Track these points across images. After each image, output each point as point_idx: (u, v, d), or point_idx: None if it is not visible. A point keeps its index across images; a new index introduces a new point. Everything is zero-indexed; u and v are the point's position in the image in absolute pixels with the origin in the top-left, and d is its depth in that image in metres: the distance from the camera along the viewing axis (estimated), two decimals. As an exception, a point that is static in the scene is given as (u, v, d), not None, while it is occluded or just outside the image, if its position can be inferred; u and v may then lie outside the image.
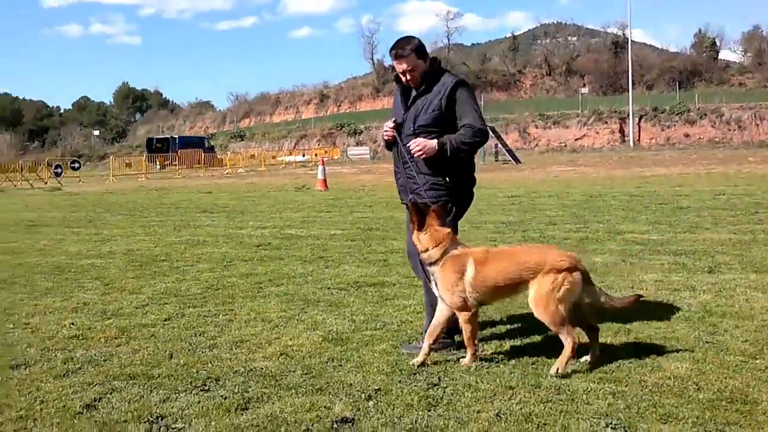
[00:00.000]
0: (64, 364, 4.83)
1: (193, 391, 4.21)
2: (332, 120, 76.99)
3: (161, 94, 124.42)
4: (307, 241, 10.26)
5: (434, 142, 4.80)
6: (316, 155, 57.32)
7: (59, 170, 35.57)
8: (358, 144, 67.41)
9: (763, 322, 5.25)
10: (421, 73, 4.94)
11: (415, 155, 4.88)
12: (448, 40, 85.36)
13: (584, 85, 72.37)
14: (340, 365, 4.62)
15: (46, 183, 32.27)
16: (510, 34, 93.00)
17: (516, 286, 4.45)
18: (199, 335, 5.46)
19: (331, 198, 18.26)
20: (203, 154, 50.29)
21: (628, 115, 59.76)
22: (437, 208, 4.69)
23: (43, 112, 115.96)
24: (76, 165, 40.26)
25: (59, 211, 17.47)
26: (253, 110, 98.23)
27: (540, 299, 4.31)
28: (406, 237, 5.20)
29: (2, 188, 29.72)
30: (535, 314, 4.39)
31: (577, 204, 14.17)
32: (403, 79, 5.01)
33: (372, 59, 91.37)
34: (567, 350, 4.24)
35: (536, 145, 61.85)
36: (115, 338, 5.46)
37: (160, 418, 3.82)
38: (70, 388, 4.34)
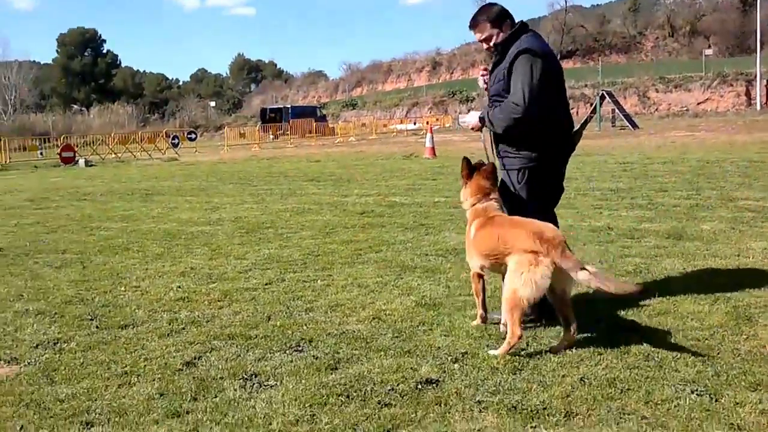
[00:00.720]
0: (169, 324, 5.14)
1: (287, 352, 4.42)
2: (444, 87, 76.61)
3: (275, 65, 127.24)
4: (410, 209, 10.38)
5: (476, 115, 4.90)
6: (427, 123, 57.30)
7: (176, 141, 37.07)
8: (470, 111, 66.69)
9: None
10: (498, 42, 4.83)
11: (470, 128, 5.01)
12: (566, 1, 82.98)
13: (709, 47, 68.92)
14: (431, 329, 4.72)
15: (163, 153, 33.69)
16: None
17: (498, 258, 4.37)
18: (297, 299, 5.68)
19: (438, 166, 18.28)
20: (315, 124, 51.18)
21: (756, 77, 56.51)
22: (487, 167, 4.76)
23: (163, 84, 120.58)
24: (193, 136, 41.84)
25: (174, 180, 18.29)
26: (365, 79, 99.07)
27: (506, 280, 4.20)
28: None
29: (123, 159, 31.28)
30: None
31: (692, 170, 13.63)
32: (484, 47, 4.96)
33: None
34: (507, 341, 4.10)
35: (656, 109, 59.47)
36: (218, 301, 5.76)
37: (254, 376, 4.03)
38: (172, 346, 4.64)
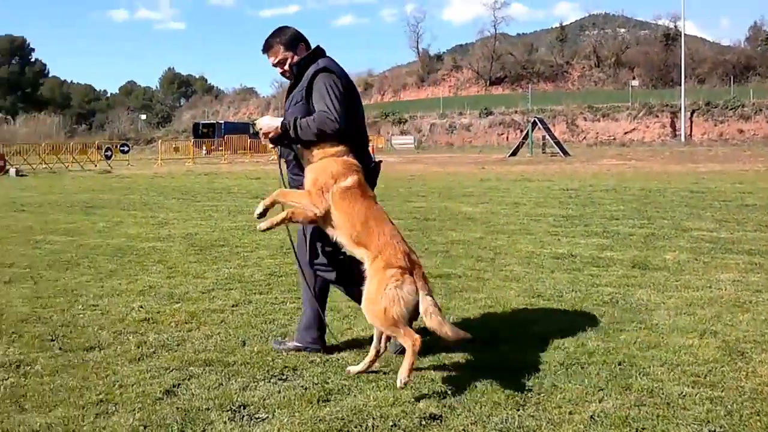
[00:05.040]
0: (138, 347, 4.82)
1: (272, 381, 4.16)
2: (376, 109, 76.79)
3: (206, 80, 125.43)
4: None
5: (278, 120, 4.46)
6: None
7: (109, 153, 35.99)
8: (403, 133, 67.21)
9: None
10: (293, 66, 4.63)
11: (260, 134, 4.57)
12: (495, 29, 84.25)
13: (634, 78, 71.06)
14: (418, 359, 4.52)
15: (96, 165, 32.70)
16: (558, 25, 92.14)
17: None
18: (269, 323, 5.42)
19: (382, 187, 18.06)
20: (249, 140, 50.56)
21: (680, 109, 58.49)
22: None
23: (91, 95, 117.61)
24: (125, 148, 40.73)
25: (112, 193, 17.66)
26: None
27: (369, 291, 3.98)
28: None
29: (55, 170, 30.18)
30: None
31: (637, 199, 13.84)
32: (278, 72, 4.75)
33: (417, 48, 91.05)
34: (408, 353, 3.86)
35: (584, 137, 60.93)
36: (186, 323, 5.45)
37: (242, 407, 3.77)
38: (147, 372, 4.33)
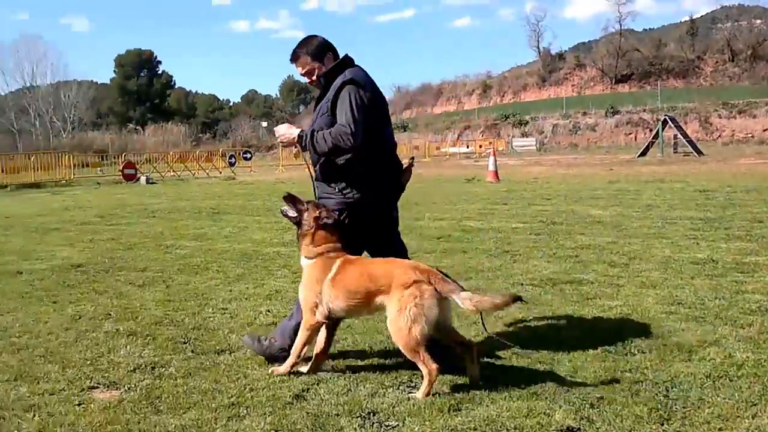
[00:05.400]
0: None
1: (401, 388, 4.13)
2: (496, 111, 76.15)
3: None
4: (488, 234, 10.05)
5: (295, 131, 4.59)
6: (480, 147, 56.93)
7: (233, 160, 37.33)
8: (524, 135, 66.31)
9: None
10: (320, 76, 4.68)
11: (278, 141, 4.76)
12: (620, 25, 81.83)
13: (773, 72, 67.31)
14: (551, 368, 4.39)
15: (220, 172, 33.91)
16: (687, 18, 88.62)
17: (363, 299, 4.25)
18: (395, 329, 5.39)
19: (504, 190, 17.93)
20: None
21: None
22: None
23: (215, 104, 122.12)
24: (248, 155, 42.05)
25: (237, 199, 18.23)
26: (414, 101, 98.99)
27: (392, 320, 4.04)
28: None
29: (182, 177, 31.50)
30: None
31: (784, 200, 13.03)
32: (307, 82, 4.79)
33: (537, 47, 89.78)
34: (426, 381, 3.95)
35: (719, 136, 58.09)
36: (312, 328, 5.49)
37: (371, 414, 3.76)
38: (277, 376, 4.38)
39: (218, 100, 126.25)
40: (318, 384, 4.22)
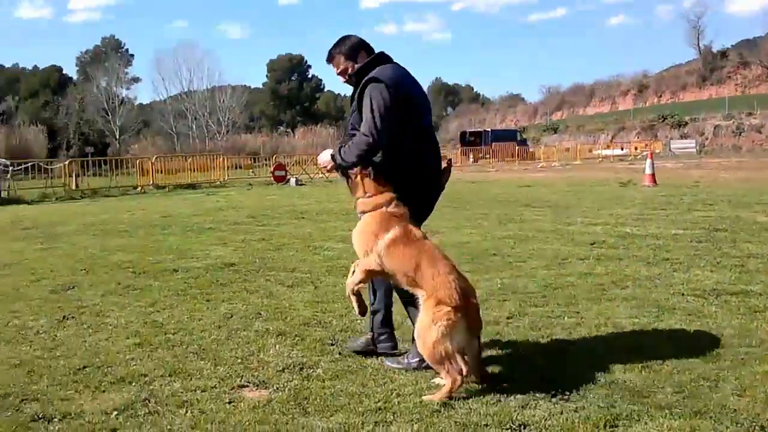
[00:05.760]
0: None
1: (552, 400, 3.99)
2: (653, 111, 73.29)
3: (472, 88, 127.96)
4: (645, 241, 9.62)
5: (329, 153, 4.72)
6: (636, 149, 55.01)
7: (380, 162, 37.86)
8: (683, 137, 63.43)
9: None
10: (352, 74, 4.80)
11: (322, 169, 4.89)
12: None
13: None
14: (716, 385, 4.12)
15: (367, 174, 34.43)
16: None
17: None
18: (546, 338, 5.25)
19: (662, 194, 17.16)
20: (516, 147, 50.60)
21: None
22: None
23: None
24: (395, 157, 42.48)
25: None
26: (566, 102, 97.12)
27: (421, 327, 4.20)
28: None
29: (330, 179, 32.08)
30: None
31: None
32: (342, 81, 4.94)
33: (697, 45, 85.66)
34: (445, 387, 4.10)
35: None
36: (460, 334, 5.42)
37: (522, 427, 3.65)
38: (423, 383, 4.35)
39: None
40: (467, 393, 4.15)
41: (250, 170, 37.25)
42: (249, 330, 5.70)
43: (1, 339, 5.64)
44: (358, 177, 4.58)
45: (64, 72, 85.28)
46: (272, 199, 20.79)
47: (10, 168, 24.62)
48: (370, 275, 4.60)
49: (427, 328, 4.11)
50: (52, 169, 29.13)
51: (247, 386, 4.40)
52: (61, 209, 19.20)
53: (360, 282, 4.61)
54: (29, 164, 28.65)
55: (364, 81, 4.61)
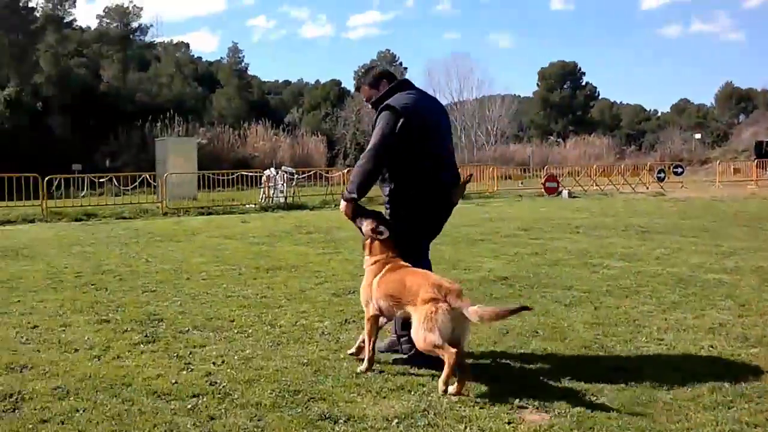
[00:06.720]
0: (712, 393, 4.52)
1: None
2: None
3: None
4: None
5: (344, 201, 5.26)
6: None
7: (662, 175, 36.05)
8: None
9: None
10: (374, 102, 5.39)
11: (345, 213, 5.34)
12: None
13: None
14: None
15: (647, 188, 32.96)
16: None
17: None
18: None
19: None
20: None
21: None
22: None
23: (641, 115, 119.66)
24: (679, 170, 40.20)
25: (668, 217, 17.47)
26: None
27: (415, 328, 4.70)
28: None
29: (606, 192, 31.22)
30: None
31: None
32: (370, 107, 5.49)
33: None
34: (446, 366, 4.52)
35: None
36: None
37: None
38: (725, 425, 4.00)
39: (644, 110, 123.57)
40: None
41: (520, 181, 37.22)
42: (526, 348, 5.63)
43: (290, 338, 6.08)
44: (368, 239, 5.21)
45: (342, 85, 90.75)
46: (544, 211, 20.51)
47: (295, 176, 26.58)
48: (374, 321, 5.08)
49: (417, 324, 4.64)
50: (330, 177, 31.24)
51: (527, 408, 4.32)
52: (338, 215, 20.30)
53: (369, 334, 5.07)
54: (311, 172, 31.06)
55: (380, 108, 5.21)
